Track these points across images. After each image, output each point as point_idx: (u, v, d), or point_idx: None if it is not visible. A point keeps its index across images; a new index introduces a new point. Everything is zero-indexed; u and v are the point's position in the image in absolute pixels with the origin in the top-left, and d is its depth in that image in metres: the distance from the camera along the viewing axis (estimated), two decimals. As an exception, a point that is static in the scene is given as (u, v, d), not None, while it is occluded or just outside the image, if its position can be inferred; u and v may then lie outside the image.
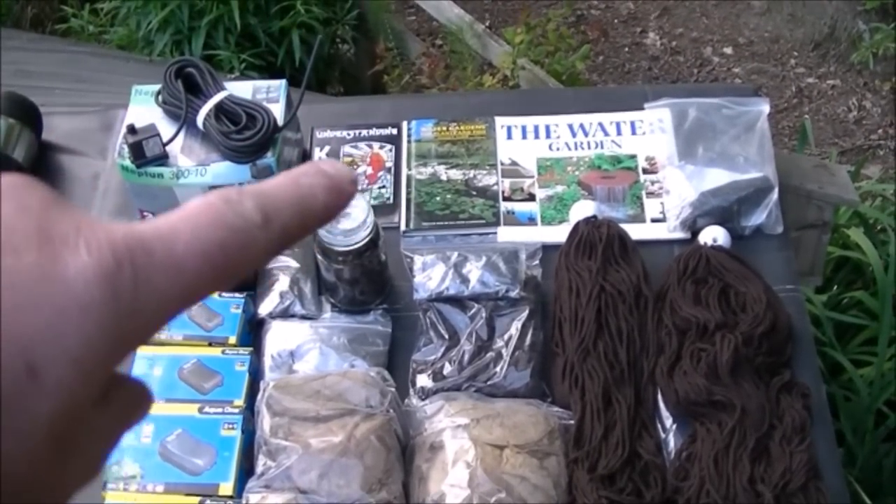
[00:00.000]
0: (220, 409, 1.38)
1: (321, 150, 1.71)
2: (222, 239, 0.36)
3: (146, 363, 1.44)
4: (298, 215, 0.39)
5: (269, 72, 3.13)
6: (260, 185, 0.38)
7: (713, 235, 1.53)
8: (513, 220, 1.60)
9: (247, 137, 1.52)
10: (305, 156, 1.71)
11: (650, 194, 1.62)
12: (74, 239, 0.33)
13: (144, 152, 1.53)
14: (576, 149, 1.69)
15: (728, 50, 4.09)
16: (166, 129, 1.57)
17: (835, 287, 2.42)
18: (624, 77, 4.01)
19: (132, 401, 0.37)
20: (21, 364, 0.31)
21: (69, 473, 0.34)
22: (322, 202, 0.40)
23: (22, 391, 0.31)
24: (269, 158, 1.53)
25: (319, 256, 1.44)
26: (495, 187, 1.64)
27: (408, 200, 1.63)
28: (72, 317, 0.32)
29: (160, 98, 1.60)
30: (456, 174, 1.66)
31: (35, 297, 0.31)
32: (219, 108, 1.54)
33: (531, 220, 1.60)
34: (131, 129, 1.54)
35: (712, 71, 4.02)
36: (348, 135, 1.73)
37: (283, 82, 1.63)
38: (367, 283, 1.47)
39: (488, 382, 1.39)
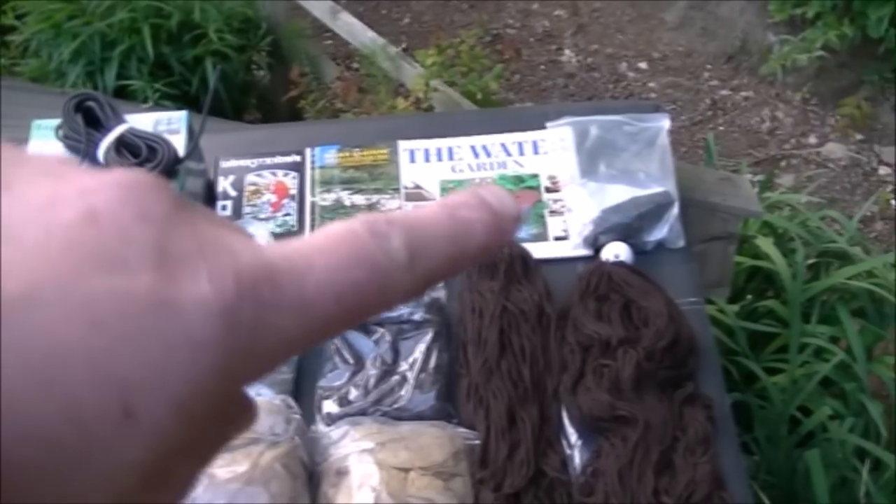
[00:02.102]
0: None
1: (225, 178, 1.71)
2: (360, 280, 0.31)
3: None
4: (449, 257, 0.33)
5: (184, 100, 3.12)
6: (412, 215, 0.33)
7: (615, 252, 1.55)
8: (417, 243, 1.61)
9: (148, 170, 1.51)
10: (210, 186, 1.71)
11: (553, 213, 1.64)
12: (195, 261, 0.28)
13: (45, 188, 1.53)
14: (479, 170, 1.70)
15: (643, 65, 4.13)
16: (68, 163, 1.56)
17: (747, 296, 2.46)
18: (540, 95, 4.04)
19: (234, 420, 0.32)
20: (117, 404, 0.26)
21: (160, 501, 0.30)
22: (478, 242, 0.34)
23: (114, 434, 0.27)
24: (171, 190, 1.52)
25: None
26: (399, 211, 1.65)
27: (312, 227, 1.64)
28: (181, 355, 0.27)
29: (61, 132, 1.59)
30: (360, 199, 1.67)
31: (144, 329, 0.27)
32: (119, 141, 1.54)
33: (435, 243, 1.61)
34: (31, 165, 1.53)
35: (628, 86, 4.06)
36: (252, 163, 1.73)
37: (184, 113, 1.64)
38: (271, 311, 1.47)
39: (394, 406, 1.40)
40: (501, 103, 3.64)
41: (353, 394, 1.41)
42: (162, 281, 0.27)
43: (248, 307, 0.29)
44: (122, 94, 3.16)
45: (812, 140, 3.80)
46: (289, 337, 0.30)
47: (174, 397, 0.27)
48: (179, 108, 1.67)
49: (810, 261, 2.45)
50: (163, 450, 0.28)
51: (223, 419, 0.31)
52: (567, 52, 4.20)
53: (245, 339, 0.29)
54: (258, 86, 3.67)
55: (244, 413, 0.32)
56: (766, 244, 2.38)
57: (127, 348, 0.26)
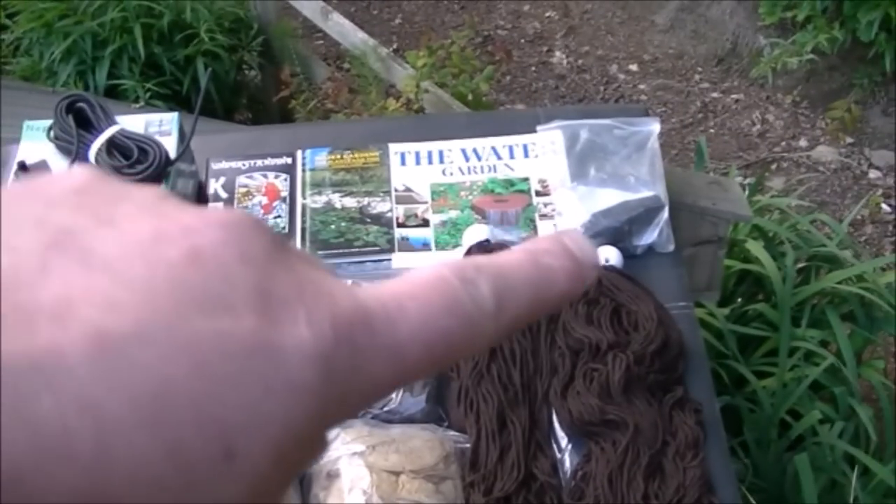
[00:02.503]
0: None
1: (216, 180, 1.71)
2: (450, 328, 0.31)
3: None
4: (533, 303, 0.34)
5: (176, 100, 3.13)
6: (497, 261, 0.33)
7: (605, 256, 1.55)
8: (407, 246, 1.61)
9: (139, 171, 1.51)
10: (201, 187, 1.71)
11: (543, 216, 1.64)
12: (295, 305, 0.28)
13: (35, 189, 1.52)
14: (469, 173, 1.70)
15: (633, 67, 4.14)
16: (59, 164, 1.56)
17: (737, 300, 2.46)
18: (531, 96, 4.05)
19: (316, 457, 0.32)
20: (219, 446, 0.27)
21: None
22: (560, 290, 0.34)
23: (216, 476, 0.27)
24: (161, 191, 1.52)
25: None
26: (389, 214, 1.65)
27: (303, 229, 1.64)
28: (280, 399, 0.28)
29: (52, 133, 1.59)
30: (350, 202, 1.67)
31: (246, 371, 0.27)
32: (111, 142, 1.54)
33: (425, 246, 1.61)
34: (22, 166, 1.54)
35: (618, 88, 4.07)
36: (243, 165, 1.73)
37: (175, 115, 1.63)
38: (262, 313, 1.47)
39: (384, 409, 1.40)
40: (492, 105, 3.65)
41: (344, 397, 1.41)
42: (263, 324, 0.28)
43: (344, 352, 0.29)
44: (114, 93, 3.16)
45: (802, 143, 3.81)
46: (380, 381, 0.30)
47: (272, 440, 0.27)
48: (170, 108, 1.67)
49: (800, 265, 2.46)
50: (257, 491, 0.28)
51: (310, 458, 0.31)
52: (558, 53, 4.21)
53: (340, 384, 0.29)
54: (249, 86, 3.68)
55: (323, 449, 0.32)
56: (755, 248, 2.38)
57: (229, 390, 0.27)
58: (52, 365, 0.25)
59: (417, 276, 0.32)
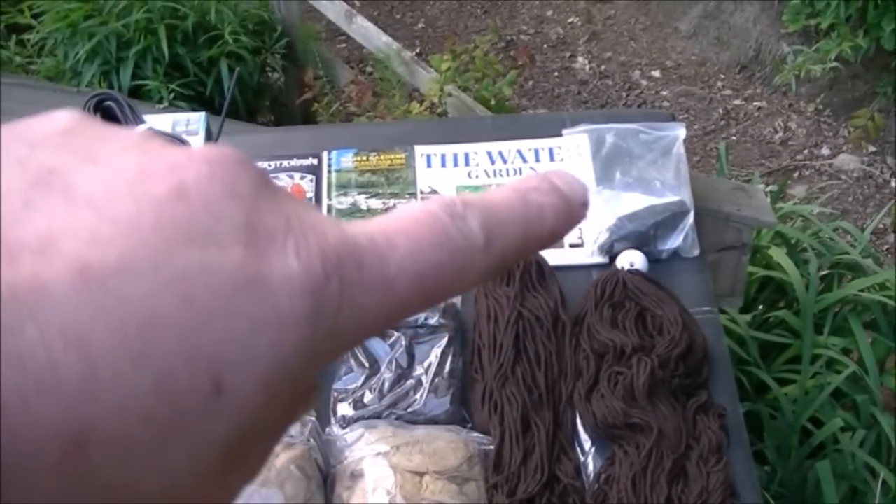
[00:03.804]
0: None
1: (242, 181, 1.71)
2: (441, 261, 0.31)
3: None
4: (522, 239, 0.33)
5: (199, 101, 3.13)
6: (486, 197, 0.33)
7: (630, 260, 1.55)
8: (433, 248, 1.61)
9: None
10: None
11: (568, 220, 1.64)
12: (283, 238, 0.28)
13: (63, 186, 1.53)
14: (495, 176, 1.71)
15: (656, 73, 4.14)
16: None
17: (759, 307, 2.46)
18: (553, 101, 4.05)
19: (307, 399, 0.32)
20: (207, 379, 0.26)
21: (233, 480, 0.30)
22: (549, 226, 0.34)
23: (204, 409, 0.27)
24: (188, 191, 1.53)
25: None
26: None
27: (328, 230, 1.64)
28: (269, 333, 0.27)
29: (79, 132, 1.60)
30: (376, 203, 1.67)
31: (234, 304, 0.27)
32: (138, 141, 1.54)
33: (450, 248, 1.61)
34: (50, 164, 1.54)
35: (641, 94, 4.06)
36: (269, 166, 1.74)
37: (202, 115, 1.64)
38: (287, 313, 1.47)
39: (408, 410, 1.40)
40: (515, 109, 3.65)
41: (368, 397, 1.42)
42: (251, 257, 0.27)
43: (334, 285, 0.29)
44: (137, 94, 3.17)
45: (825, 151, 3.80)
46: (371, 316, 0.30)
47: (261, 374, 0.27)
48: (194, 109, 1.67)
49: (823, 272, 2.45)
50: (247, 427, 0.28)
51: (300, 397, 0.31)
52: (580, 59, 4.21)
53: (330, 318, 0.29)
54: (272, 88, 3.68)
55: (313, 392, 0.32)
56: (778, 254, 2.38)
57: (217, 324, 0.26)
58: (36, 298, 0.25)
59: (407, 212, 0.32)
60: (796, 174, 3.74)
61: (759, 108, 3.98)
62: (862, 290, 2.36)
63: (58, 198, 0.27)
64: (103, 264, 0.26)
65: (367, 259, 0.30)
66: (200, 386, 0.26)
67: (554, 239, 0.35)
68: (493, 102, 3.08)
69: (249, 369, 0.27)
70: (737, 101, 4.01)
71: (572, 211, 0.35)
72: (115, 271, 0.26)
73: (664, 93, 4.06)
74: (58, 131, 0.30)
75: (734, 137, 3.86)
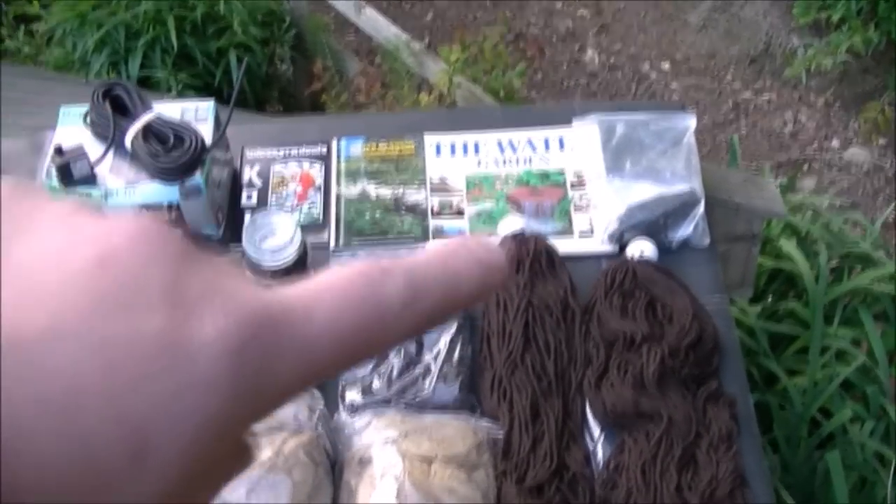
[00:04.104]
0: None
1: (251, 168, 1.71)
2: (364, 320, 0.32)
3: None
4: (442, 300, 0.35)
5: (207, 92, 3.13)
6: (410, 260, 0.34)
7: (640, 248, 1.55)
8: (442, 235, 1.61)
9: (175, 158, 1.52)
10: (236, 175, 1.71)
11: (578, 209, 1.64)
12: (203, 304, 0.29)
13: (72, 173, 1.53)
14: (504, 165, 1.70)
15: (665, 66, 4.13)
16: (95, 150, 1.56)
17: (769, 298, 2.45)
18: (562, 93, 4.04)
19: (237, 460, 0.33)
20: (131, 445, 0.27)
21: None
22: (467, 291, 0.36)
23: (128, 474, 0.27)
24: (197, 178, 1.53)
25: (248, 273, 1.45)
26: (424, 204, 1.65)
27: (337, 219, 1.64)
28: (192, 396, 0.28)
29: (88, 119, 1.60)
30: (385, 192, 1.67)
31: (157, 370, 0.27)
32: (147, 129, 1.54)
33: (461, 236, 1.61)
34: (58, 151, 1.54)
35: (650, 86, 4.05)
36: (278, 153, 1.73)
37: (211, 103, 1.64)
38: (296, 300, 1.47)
39: (417, 397, 1.40)
40: (524, 101, 3.64)
41: (377, 384, 1.41)
42: (172, 323, 0.28)
43: (253, 349, 0.29)
44: (146, 84, 3.17)
45: (835, 144, 3.79)
46: (292, 378, 0.31)
47: (185, 437, 0.28)
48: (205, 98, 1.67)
49: (833, 263, 2.45)
50: (173, 489, 0.28)
51: (226, 459, 0.32)
52: (590, 51, 4.20)
53: (251, 381, 0.29)
54: (281, 79, 3.68)
55: (245, 453, 0.33)
56: (788, 246, 2.37)
57: (140, 390, 0.27)
58: None
59: (334, 271, 0.33)
60: (806, 167, 3.73)
61: (769, 100, 3.97)
62: (872, 282, 2.35)
63: None
64: (29, 331, 0.26)
65: (289, 319, 0.30)
66: (124, 451, 0.27)
67: (473, 301, 0.36)
68: (502, 94, 3.08)
69: (172, 433, 0.28)
70: (746, 94, 4.00)
71: (491, 278, 0.36)
72: (40, 338, 0.26)
73: (673, 85, 4.05)
74: None
75: (744, 130, 3.85)
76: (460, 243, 0.37)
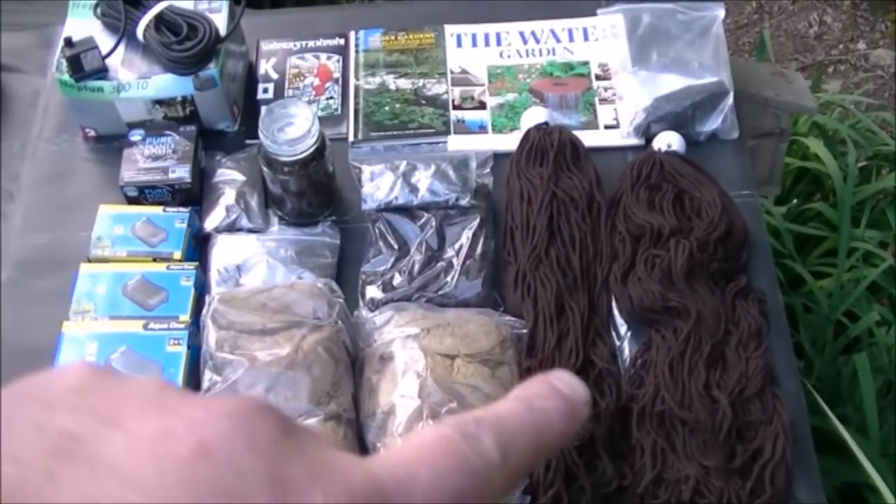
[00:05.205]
0: (165, 325, 1.34)
1: (267, 61, 1.67)
2: (462, 487, 0.32)
3: (90, 280, 1.40)
4: (534, 448, 0.35)
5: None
6: (494, 412, 0.35)
7: (667, 141, 1.50)
8: (463, 128, 1.57)
9: (188, 48, 1.48)
10: (251, 68, 1.67)
11: (603, 101, 1.59)
12: (310, 486, 0.29)
13: (83, 65, 1.49)
14: (527, 56, 1.65)
15: (688, -34, 4.04)
16: (106, 41, 1.52)
17: (794, 199, 2.40)
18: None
19: None
20: None
21: None
22: (558, 431, 0.36)
23: None
24: (212, 70, 1.49)
25: (265, 168, 1.41)
26: (445, 96, 1.60)
27: (356, 111, 1.59)
28: None
29: (98, 10, 1.55)
30: (405, 83, 1.62)
31: None
32: (159, 18, 1.50)
33: (482, 129, 1.57)
34: (69, 42, 1.50)
35: (672, -12, 3.97)
36: (295, 46, 1.69)
37: (225, -10, 1.59)
38: (314, 194, 1.44)
39: (439, 292, 1.36)
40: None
41: (398, 279, 1.38)
42: None
43: None
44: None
45: (861, 46, 3.72)
46: None
47: None
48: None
49: (861, 163, 2.39)
50: None
51: None
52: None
53: None
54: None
55: None
56: (816, 145, 2.32)
57: None
58: None
59: (423, 439, 0.32)
60: (831, 69, 3.65)
61: (794, 1, 3.88)
62: (901, 182, 2.30)
63: (82, 468, 0.27)
64: None
65: (392, 496, 0.30)
66: None
67: (564, 441, 0.37)
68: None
69: None
70: (771, -5, 3.92)
71: (576, 412, 0.37)
72: None
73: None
74: (73, 389, 0.30)
75: (767, 31, 3.78)
76: (543, 382, 0.37)
